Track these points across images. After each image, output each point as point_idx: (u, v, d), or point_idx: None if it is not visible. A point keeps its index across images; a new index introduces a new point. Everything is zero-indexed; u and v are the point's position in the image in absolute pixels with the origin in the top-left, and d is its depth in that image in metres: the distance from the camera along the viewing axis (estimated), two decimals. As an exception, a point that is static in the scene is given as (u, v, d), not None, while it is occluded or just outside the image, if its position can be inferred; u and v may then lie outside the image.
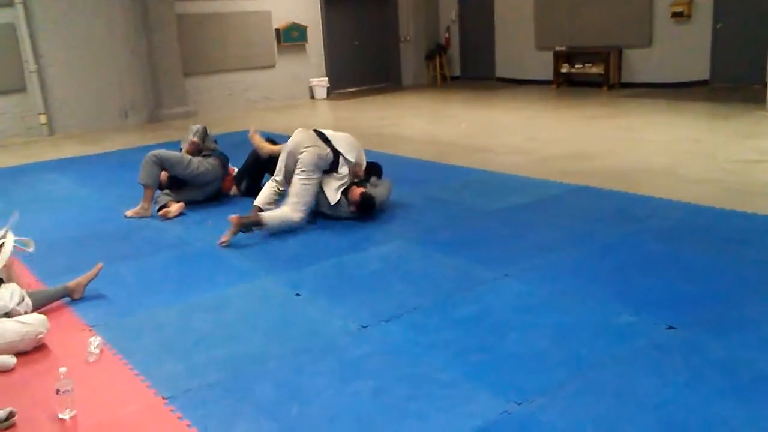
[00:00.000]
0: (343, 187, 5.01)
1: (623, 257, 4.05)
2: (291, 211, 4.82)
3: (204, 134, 5.71)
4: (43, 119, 10.11)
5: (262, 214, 4.83)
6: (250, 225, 4.72)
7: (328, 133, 5.16)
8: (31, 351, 3.22)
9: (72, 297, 3.78)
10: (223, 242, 4.58)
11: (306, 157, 4.89)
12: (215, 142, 5.90)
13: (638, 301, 3.41)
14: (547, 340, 3.10)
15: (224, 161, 5.88)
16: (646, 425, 2.43)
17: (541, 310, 3.42)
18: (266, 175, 5.89)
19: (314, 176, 4.91)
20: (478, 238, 4.57)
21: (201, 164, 5.60)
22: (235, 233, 4.63)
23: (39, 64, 9.97)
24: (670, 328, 3.12)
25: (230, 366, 3.02)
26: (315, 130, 5.14)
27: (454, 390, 2.74)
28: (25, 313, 3.40)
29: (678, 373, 2.74)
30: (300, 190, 4.86)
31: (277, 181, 5.13)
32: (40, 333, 3.24)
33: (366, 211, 4.98)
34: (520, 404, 2.60)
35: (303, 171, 4.88)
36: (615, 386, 2.68)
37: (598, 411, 2.53)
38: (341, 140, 5.13)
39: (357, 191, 4.98)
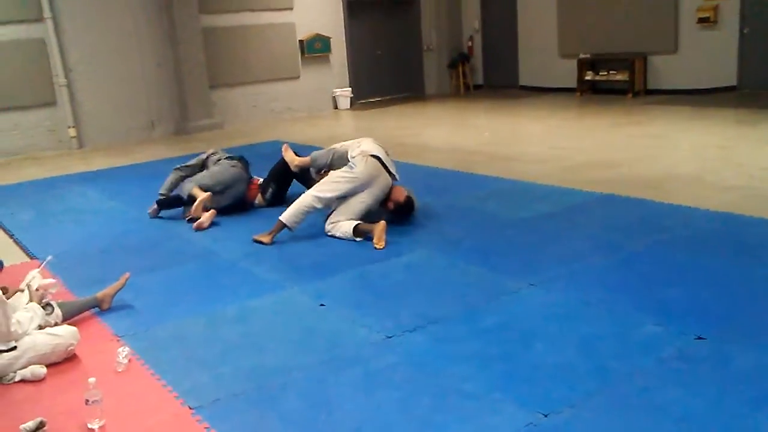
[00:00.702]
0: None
1: (650, 267, 4.01)
2: (310, 192, 4.92)
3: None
4: (72, 132, 10.30)
5: (281, 217, 4.89)
6: (276, 233, 4.86)
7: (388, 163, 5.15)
8: (61, 361, 3.27)
9: (101, 308, 3.84)
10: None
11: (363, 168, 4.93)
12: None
13: (665, 311, 3.38)
14: (573, 351, 3.08)
15: (246, 165, 5.97)
16: (675, 438, 2.40)
17: (566, 320, 3.40)
18: (294, 182, 5.95)
19: (353, 183, 4.91)
20: (503, 248, 4.56)
21: (219, 163, 5.72)
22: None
23: (68, 78, 10.17)
24: (699, 338, 3.08)
25: (256, 376, 3.05)
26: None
27: (478, 401, 2.73)
28: (56, 324, 3.46)
29: (706, 384, 2.70)
30: (332, 179, 4.93)
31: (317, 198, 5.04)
32: (71, 345, 3.29)
33: (407, 214, 5.07)
34: (546, 416, 2.58)
35: (349, 173, 4.91)
36: (642, 398, 2.65)
37: (625, 423, 2.50)
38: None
39: (402, 193, 5.05)
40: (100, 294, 3.85)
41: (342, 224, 4.89)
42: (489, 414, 2.63)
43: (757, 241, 4.30)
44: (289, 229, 4.88)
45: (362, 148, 5.10)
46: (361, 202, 4.93)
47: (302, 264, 4.49)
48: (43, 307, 3.45)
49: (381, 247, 4.62)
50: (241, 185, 5.84)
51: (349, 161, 5.02)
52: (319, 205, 4.92)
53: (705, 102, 10.16)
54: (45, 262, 4.00)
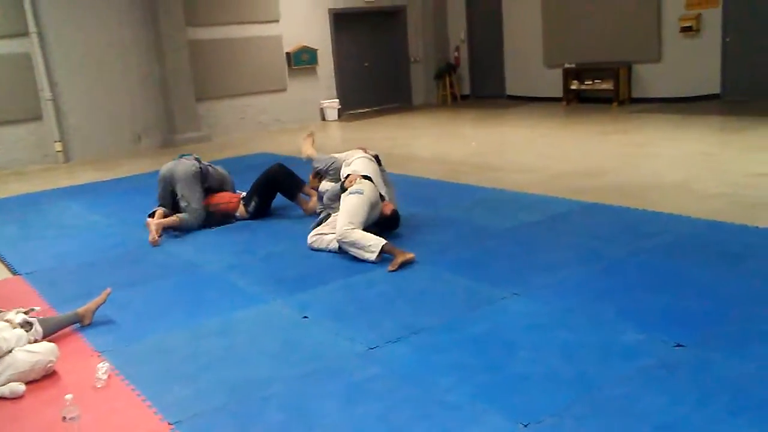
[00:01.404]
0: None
1: (632, 274, 4.02)
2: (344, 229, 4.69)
3: None
4: (58, 147, 10.26)
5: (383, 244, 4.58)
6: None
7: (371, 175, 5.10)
8: (40, 378, 3.24)
9: (82, 323, 3.81)
10: None
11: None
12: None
13: (646, 319, 3.38)
14: (555, 359, 3.08)
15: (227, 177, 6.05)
16: (655, 446, 2.39)
17: (549, 329, 3.39)
18: (277, 194, 5.93)
19: (369, 205, 4.87)
20: (488, 257, 4.56)
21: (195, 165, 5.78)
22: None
23: (54, 92, 10.14)
24: (679, 345, 3.08)
25: (237, 390, 3.02)
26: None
27: (460, 412, 2.72)
28: (35, 341, 3.42)
29: (687, 391, 2.70)
30: (351, 210, 4.77)
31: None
32: (50, 362, 3.26)
33: (391, 227, 5.06)
34: (526, 425, 2.57)
35: (362, 198, 4.83)
36: (623, 406, 2.65)
37: (605, 431, 2.49)
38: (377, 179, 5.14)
39: (389, 207, 5.05)
40: (81, 310, 3.81)
41: (364, 235, 4.65)
42: (471, 424, 2.62)
43: (740, 249, 4.32)
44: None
45: (353, 168, 5.09)
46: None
47: (286, 276, 4.47)
48: (21, 326, 3.41)
49: (403, 260, 4.42)
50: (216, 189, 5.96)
51: (340, 179, 5.05)
52: (354, 236, 4.64)
53: (689, 110, 10.24)
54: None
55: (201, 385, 3.09)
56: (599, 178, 6.61)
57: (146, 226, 5.59)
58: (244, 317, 3.85)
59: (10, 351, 3.21)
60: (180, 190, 5.65)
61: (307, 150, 5.74)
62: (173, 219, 5.61)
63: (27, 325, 3.46)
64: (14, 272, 4.99)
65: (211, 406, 2.90)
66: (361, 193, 4.83)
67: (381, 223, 5.03)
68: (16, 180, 9.16)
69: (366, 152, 5.34)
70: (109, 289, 3.95)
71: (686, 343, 3.10)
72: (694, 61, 10.88)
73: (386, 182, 5.32)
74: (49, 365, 3.26)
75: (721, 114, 9.79)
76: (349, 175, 5.04)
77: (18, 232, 6.24)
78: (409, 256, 4.47)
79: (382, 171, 5.34)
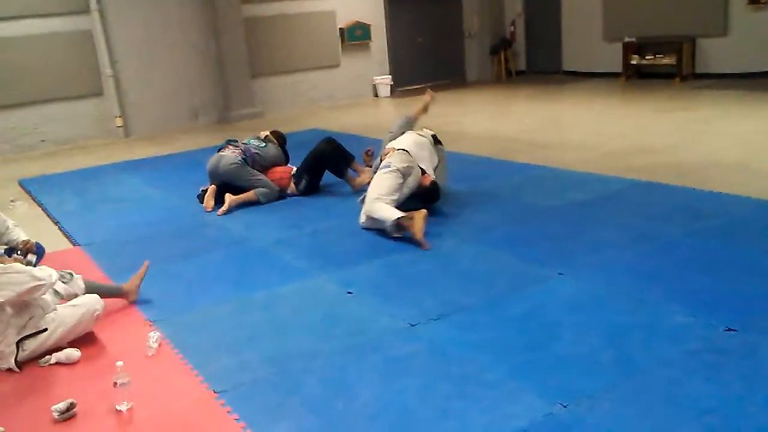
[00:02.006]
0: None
1: (684, 256, 3.91)
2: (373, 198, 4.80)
3: None
4: (119, 122, 10.56)
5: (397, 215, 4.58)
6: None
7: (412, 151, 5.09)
8: (95, 345, 3.38)
9: (128, 299, 3.87)
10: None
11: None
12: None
13: (696, 302, 3.29)
14: (598, 341, 3.03)
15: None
16: (696, 431, 2.34)
17: (594, 310, 3.34)
18: (327, 172, 5.98)
19: (398, 176, 4.91)
20: (534, 236, 4.50)
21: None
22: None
23: (114, 69, 10.42)
24: (729, 330, 2.99)
25: (280, 362, 3.09)
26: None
27: (498, 390, 2.71)
28: (76, 295, 3.53)
29: (733, 377, 2.63)
30: (380, 182, 4.88)
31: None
32: (96, 311, 3.38)
33: (431, 199, 5.03)
34: (565, 406, 2.55)
35: (388, 170, 4.91)
36: (666, 390, 2.60)
37: (645, 415, 2.46)
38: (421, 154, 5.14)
39: (428, 178, 5.02)
40: (125, 285, 3.87)
41: (381, 207, 4.66)
42: (508, 403, 2.62)
43: (800, 230, 4.15)
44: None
45: (393, 144, 5.15)
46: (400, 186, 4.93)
47: (332, 252, 4.52)
48: (61, 277, 3.52)
49: (420, 238, 4.38)
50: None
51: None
52: (374, 208, 4.72)
53: (756, 86, 9.80)
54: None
55: (245, 356, 3.18)
56: (655, 155, 6.41)
57: (205, 199, 5.75)
58: (289, 291, 3.92)
59: (54, 283, 3.33)
60: (239, 185, 5.79)
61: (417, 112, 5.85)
62: (250, 195, 5.75)
63: (67, 276, 3.58)
64: (74, 243, 5.19)
65: (254, 377, 2.98)
66: (389, 167, 4.88)
67: (420, 195, 5.02)
68: (78, 154, 9.49)
69: (422, 130, 5.36)
70: (147, 262, 4.00)
71: (737, 327, 3.01)
72: (763, 35, 10.37)
73: (440, 159, 5.31)
74: (96, 314, 3.38)
75: (790, 90, 9.35)
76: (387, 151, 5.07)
77: (79, 204, 6.48)
78: (418, 217, 4.41)
79: (439, 149, 5.36)
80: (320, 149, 5.93)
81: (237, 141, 6.10)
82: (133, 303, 3.87)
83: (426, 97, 5.96)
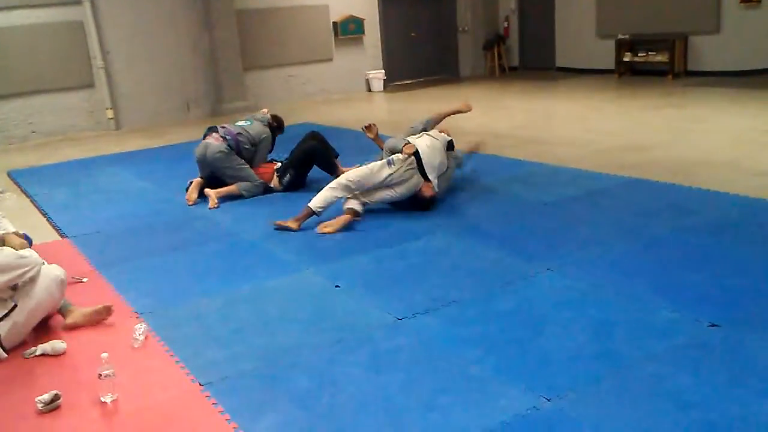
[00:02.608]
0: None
1: (671, 252, 3.92)
2: (338, 179, 4.94)
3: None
4: (110, 114, 10.51)
5: (309, 204, 4.86)
6: (304, 220, 4.84)
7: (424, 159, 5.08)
8: (81, 337, 3.37)
9: (65, 320, 3.51)
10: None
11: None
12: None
13: (682, 297, 3.31)
14: (584, 336, 3.04)
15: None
16: (680, 425, 2.36)
17: (581, 305, 3.36)
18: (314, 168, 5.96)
19: (379, 175, 4.92)
20: (523, 232, 4.51)
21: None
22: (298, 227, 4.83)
23: (106, 60, 10.36)
24: (713, 325, 3.01)
25: (266, 355, 3.09)
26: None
27: (483, 384, 2.72)
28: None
29: (717, 372, 2.65)
30: (364, 168, 4.95)
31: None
32: (58, 276, 3.35)
33: (421, 208, 5.03)
34: (549, 400, 2.56)
35: (385, 167, 4.94)
36: (649, 384, 2.61)
37: (629, 409, 2.47)
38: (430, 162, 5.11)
39: (429, 190, 4.98)
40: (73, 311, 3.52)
41: (323, 191, 4.89)
42: (493, 397, 2.62)
43: (787, 228, 4.17)
44: (317, 214, 4.84)
45: (414, 141, 5.16)
46: (387, 194, 4.96)
47: (321, 246, 4.52)
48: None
49: (321, 230, 4.71)
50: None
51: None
52: (343, 193, 4.87)
53: (748, 84, 9.84)
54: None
55: (232, 349, 3.17)
56: (646, 153, 6.43)
57: (188, 192, 5.72)
58: (278, 285, 3.92)
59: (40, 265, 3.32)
60: (224, 175, 5.76)
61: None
62: (232, 188, 5.74)
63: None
64: (62, 235, 5.17)
65: (241, 370, 2.97)
66: (390, 165, 4.93)
67: (414, 201, 5.01)
68: (69, 146, 9.44)
69: (440, 134, 5.42)
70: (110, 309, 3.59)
71: (721, 323, 3.03)
72: (755, 33, 10.41)
73: (448, 166, 5.30)
74: (59, 279, 3.35)
75: (781, 88, 9.38)
76: (408, 143, 5.10)
77: (68, 196, 6.45)
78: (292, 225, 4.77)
79: (450, 156, 5.36)
80: (310, 146, 5.90)
81: (216, 127, 6.00)
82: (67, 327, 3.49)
83: (463, 106, 5.94)
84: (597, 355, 2.87)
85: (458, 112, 6.03)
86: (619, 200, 5.06)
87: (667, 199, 4.98)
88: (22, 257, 3.24)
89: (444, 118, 5.97)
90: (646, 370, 2.73)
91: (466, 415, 2.52)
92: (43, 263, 3.39)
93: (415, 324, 3.29)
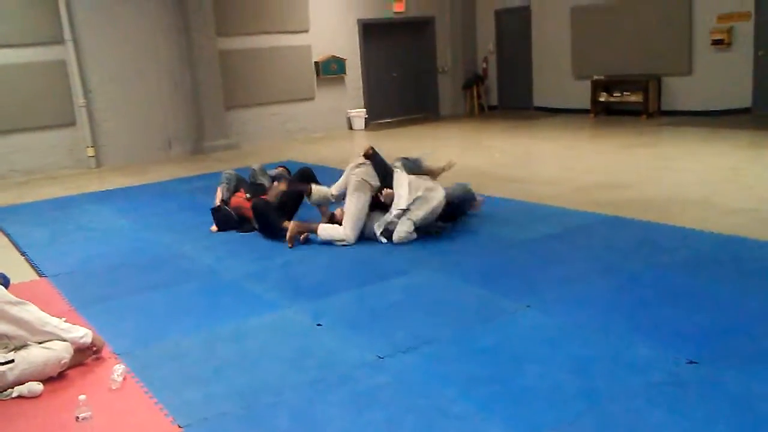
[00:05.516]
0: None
1: (648, 289, 3.99)
2: (343, 228, 5.30)
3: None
4: (90, 152, 10.49)
5: (319, 224, 5.38)
6: (306, 230, 5.36)
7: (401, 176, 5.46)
8: (58, 378, 3.32)
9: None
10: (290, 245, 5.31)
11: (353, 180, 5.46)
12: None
13: (659, 334, 3.35)
14: (563, 373, 3.07)
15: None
16: (658, 462, 2.38)
17: (560, 342, 3.39)
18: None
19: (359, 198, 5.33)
20: (504, 269, 4.56)
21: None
22: (292, 236, 5.29)
23: (88, 99, 10.39)
24: (691, 362, 3.05)
25: (247, 395, 3.07)
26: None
27: (465, 422, 2.73)
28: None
29: (694, 408, 2.68)
30: (349, 208, 5.32)
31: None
32: (64, 359, 3.34)
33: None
34: (530, 438, 2.58)
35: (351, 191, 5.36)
36: (628, 421, 2.64)
37: (608, 447, 2.49)
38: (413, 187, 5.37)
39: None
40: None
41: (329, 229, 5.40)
42: (474, 436, 2.63)
43: (760, 265, 4.26)
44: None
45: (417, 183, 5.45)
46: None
47: (302, 284, 4.53)
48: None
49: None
50: None
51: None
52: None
53: (719, 124, 10.10)
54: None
55: (212, 389, 3.15)
56: (622, 191, 6.56)
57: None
58: (259, 323, 3.91)
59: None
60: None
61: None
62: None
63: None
64: (41, 274, 5.13)
65: (221, 411, 2.95)
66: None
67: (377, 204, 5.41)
68: (48, 184, 9.40)
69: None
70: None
71: (698, 359, 3.07)
72: (726, 75, 10.73)
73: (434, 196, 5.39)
74: (63, 362, 3.33)
75: (751, 128, 9.63)
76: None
77: (47, 235, 6.40)
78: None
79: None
80: (253, 203, 5.74)
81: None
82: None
83: (446, 165, 6.03)
84: (576, 392, 2.90)
85: (442, 170, 6.00)
86: (596, 237, 5.14)
87: (642, 236, 5.07)
88: (48, 354, 3.30)
89: (432, 173, 5.87)
90: (624, 406, 2.75)
91: (448, 454, 2.52)
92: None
93: (397, 362, 3.30)
